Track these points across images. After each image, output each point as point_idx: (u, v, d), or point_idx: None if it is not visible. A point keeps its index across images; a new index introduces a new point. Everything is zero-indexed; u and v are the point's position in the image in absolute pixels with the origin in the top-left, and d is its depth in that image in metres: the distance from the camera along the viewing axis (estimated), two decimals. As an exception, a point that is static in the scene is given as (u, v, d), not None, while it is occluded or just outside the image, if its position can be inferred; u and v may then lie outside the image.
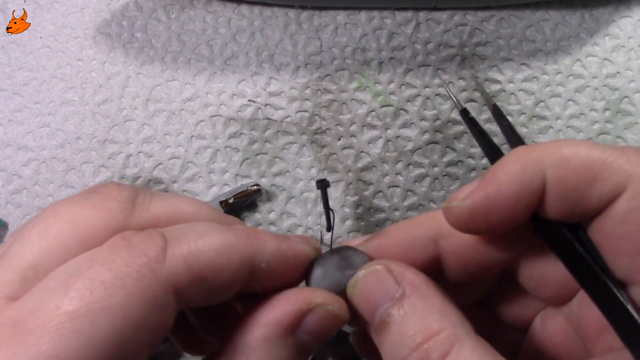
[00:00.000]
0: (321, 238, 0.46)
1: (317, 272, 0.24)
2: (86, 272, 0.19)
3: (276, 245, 0.23)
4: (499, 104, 0.49)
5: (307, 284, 0.25)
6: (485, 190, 0.20)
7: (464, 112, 0.30)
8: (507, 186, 0.20)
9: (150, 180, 0.47)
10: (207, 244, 0.21)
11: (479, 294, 0.26)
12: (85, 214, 0.21)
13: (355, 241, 0.26)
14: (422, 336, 0.20)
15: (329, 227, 0.25)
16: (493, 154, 0.28)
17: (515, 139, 0.29)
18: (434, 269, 0.24)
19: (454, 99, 0.30)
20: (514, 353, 0.26)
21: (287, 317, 0.21)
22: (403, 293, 0.21)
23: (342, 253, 0.25)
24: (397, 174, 0.47)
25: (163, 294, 0.19)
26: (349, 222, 0.46)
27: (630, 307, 0.20)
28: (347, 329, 0.41)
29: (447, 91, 0.33)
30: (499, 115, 0.30)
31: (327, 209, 0.26)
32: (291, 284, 0.24)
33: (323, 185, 0.25)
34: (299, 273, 0.24)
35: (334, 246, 0.25)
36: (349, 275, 0.24)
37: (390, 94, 0.49)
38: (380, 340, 0.21)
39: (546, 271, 0.23)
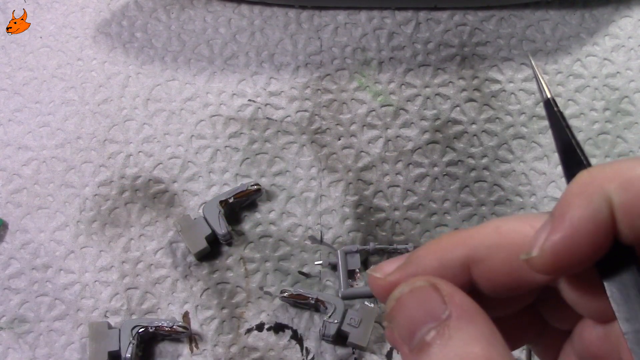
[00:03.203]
0: (321, 238, 0.46)
1: None
2: None
3: None
4: (498, 104, 0.49)
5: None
6: (560, 233, 0.20)
7: (549, 104, 0.27)
8: (579, 225, 0.19)
9: (150, 180, 0.47)
10: None
11: (520, 305, 0.25)
12: None
13: (386, 268, 0.24)
14: None
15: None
16: (569, 163, 0.26)
17: (569, 149, 0.26)
18: (467, 292, 0.23)
19: (542, 85, 0.27)
20: (556, 353, 0.25)
21: None
22: (450, 315, 0.20)
23: None
24: (397, 174, 0.47)
25: None
26: (349, 222, 0.46)
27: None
28: (347, 328, 0.41)
29: (535, 75, 0.29)
30: (553, 113, 0.27)
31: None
32: None
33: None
34: None
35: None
36: None
37: (390, 93, 0.49)
38: None
39: (589, 289, 0.22)
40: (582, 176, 0.20)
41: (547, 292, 0.24)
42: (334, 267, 0.44)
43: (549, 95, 0.27)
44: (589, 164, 0.23)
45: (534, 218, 0.22)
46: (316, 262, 0.44)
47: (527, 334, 0.26)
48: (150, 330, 0.41)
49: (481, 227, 0.23)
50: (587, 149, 0.47)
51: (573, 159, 0.26)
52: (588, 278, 0.22)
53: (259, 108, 0.49)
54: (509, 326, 0.22)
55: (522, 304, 0.25)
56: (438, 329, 0.20)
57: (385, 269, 0.24)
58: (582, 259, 0.20)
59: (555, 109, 0.26)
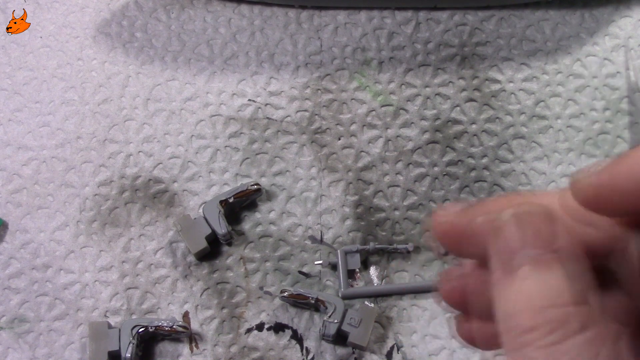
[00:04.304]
0: (321, 238, 0.46)
1: None
2: None
3: None
4: (498, 104, 0.49)
5: None
6: (612, 170, 0.20)
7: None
8: (632, 168, 0.19)
9: (150, 179, 0.47)
10: None
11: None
12: None
13: (451, 210, 0.23)
14: (563, 300, 0.18)
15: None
16: None
17: None
18: None
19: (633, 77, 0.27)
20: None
21: None
22: (557, 248, 0.20)
23: None
24: (397, 174, 0.47)
25: None
26: (349, 222, 0.46)
27: None
28: (347, 328, 0.41)
29: (628, 65, 0.29)
30: None
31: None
32: None
33: None
34: None
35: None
36: None
37: (390, 93, 0.49)
38: (505, 288, 0.20)
39: None
40: None
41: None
42: (334, 267, 0.44)
43: None
44: None
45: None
46: (316, 262, 0.44)
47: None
48: (150, 330, 0.41)
49: (546, 193, 0.23)
50: (587, 148, 0.47)
51: None
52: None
53: (259, 108, 0.49)
54: None
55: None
56: (543, 256, 0.20)
57: (451, 210, 0.23)
58: (622, 204, 0.20)
59: None
